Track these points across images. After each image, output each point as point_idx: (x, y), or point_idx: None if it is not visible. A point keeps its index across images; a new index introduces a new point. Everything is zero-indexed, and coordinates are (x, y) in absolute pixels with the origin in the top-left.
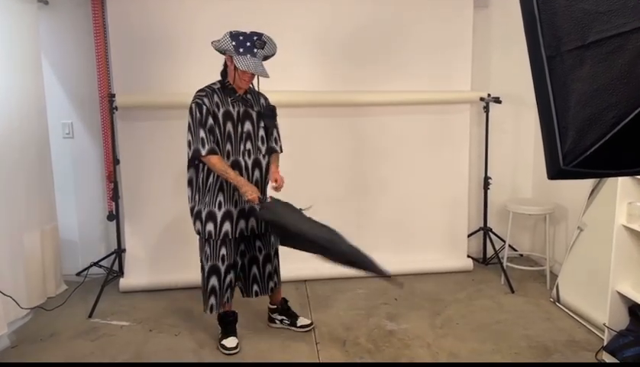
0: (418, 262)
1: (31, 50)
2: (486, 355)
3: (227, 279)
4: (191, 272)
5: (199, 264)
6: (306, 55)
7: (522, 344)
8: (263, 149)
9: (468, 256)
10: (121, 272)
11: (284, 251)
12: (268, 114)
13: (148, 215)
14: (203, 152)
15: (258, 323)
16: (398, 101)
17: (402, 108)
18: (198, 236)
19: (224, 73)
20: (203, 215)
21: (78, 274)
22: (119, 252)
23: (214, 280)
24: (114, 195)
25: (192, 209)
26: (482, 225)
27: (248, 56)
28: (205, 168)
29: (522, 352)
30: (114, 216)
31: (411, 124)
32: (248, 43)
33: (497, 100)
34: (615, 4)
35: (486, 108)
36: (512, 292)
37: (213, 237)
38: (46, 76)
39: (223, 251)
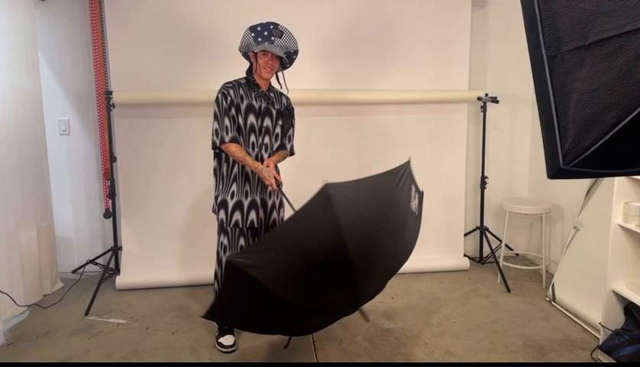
0: (415, 261)
1: (28, 46)
2: (482, 353)
3: None
4: (188, 270)
5: (215, 256)
6: (305, 53)
7: (517, 343)
8: (275, 146)
9: (465, 255)
10: (117, 270)
11: None
12: (286, 113)
13: (145, 212)
14: (227, 139)
15: None
16: (395, 99)
17: (400, 107)
18: (221, 225)
19: (249, 71)
20: (227, 203)
21: (74, 272)
22: (115, 250)
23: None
24: (111, 192)
25: (216, 198)
26: (478, 225)
27: (266, 43)
28: (230, 159)
29: (518, 351)
30: (110, 214)
31: (408, 123)
32: (266, 33)
33: (494, 100)
34: (615, 5)
35: (484, 108)
36: (508, 291)
37: (240, 226)
38: (42, 72)
39: (242, 241)
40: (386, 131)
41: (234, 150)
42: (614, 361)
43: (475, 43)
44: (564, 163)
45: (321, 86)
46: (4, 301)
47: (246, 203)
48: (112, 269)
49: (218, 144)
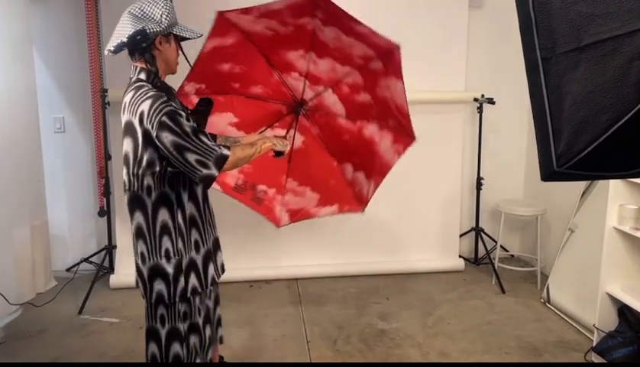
0: (410, 262)
1: (23, 43)
2: (476, 355)
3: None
4: None
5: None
6: None
7: (512, 344)
8: None
9: (460, 256)
10: (111, 269)
11: (276, 248)
12: (203, 109)
13: None
14: (227, 152)
15: (249, 320)
16: None
17: None
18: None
19: (152, 68)
20: (196, 262)
21: (68, 270)
22: (110, 248)
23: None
24: (106, 191)
25: (172, 267)
26: (474, 226)
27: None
28: (186, 198)
29: (512, 352)
30: (105, 212)
31: None
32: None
33: (491, 101)
34: (610, 7)
35: (480, 109)
36: (503, 292)
37: (216, 280)
38: (37, 69)
39: (209, 303)
40: None
41: (236, 152)
42: (607, 362)
43: (472, 44)
44: (557, 165)
45: None
46: None
47: (211, 247)
48: (106, 268)
49: (217, 173)
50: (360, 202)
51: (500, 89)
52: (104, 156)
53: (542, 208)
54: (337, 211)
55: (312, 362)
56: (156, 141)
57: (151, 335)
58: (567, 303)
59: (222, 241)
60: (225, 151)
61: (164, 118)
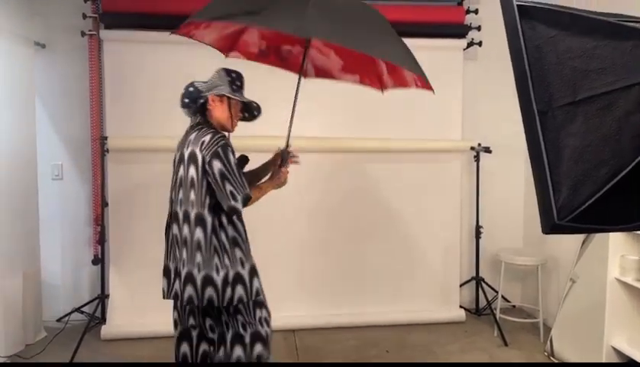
0: (410, 312)
1: (25, 92)
2: None
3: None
4: None
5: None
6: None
7: None
8: None
9: (460, 306)
10: (103, 319)
11: (273, 297)
12: (244, 162)
13: (134, 260)
14: (251, 194)
15: None
16: (389, 148)
17: (394, 155)
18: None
19: (205, 119)
20: (242, 276)
21: (59, 320)
22: (102, 298)
23: (259, 348)
24: (101, 238)
25: (224, 278)
26: (474, 275)
27: (242, 93)
28: (226, 221)
29: None
30: (99, 260)
31: (402, 171)
32: (239, 83)
33: (487, 150)
34: (604, 63)
35: (477, 158)
36: (506, 345)
37: (260, 293)
38: (39, 116)
39: (259, 313)
40: (380, 180)
41: (255, 195)
42: None
43: (467, 95)
44: (558, 218)
45: (314, 134)
46: None
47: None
48: (98, 318)
49: (242, 206)
50: (380, 81)
51: (496, 138)
52: (101, 203)
53: (543, 257)
54: (358, 80)
55: (319, 362)
56: (207, 167)
57: (237, 339)
58: (571, 356)
59: None
60: (250, 193)
61: (219, 150)
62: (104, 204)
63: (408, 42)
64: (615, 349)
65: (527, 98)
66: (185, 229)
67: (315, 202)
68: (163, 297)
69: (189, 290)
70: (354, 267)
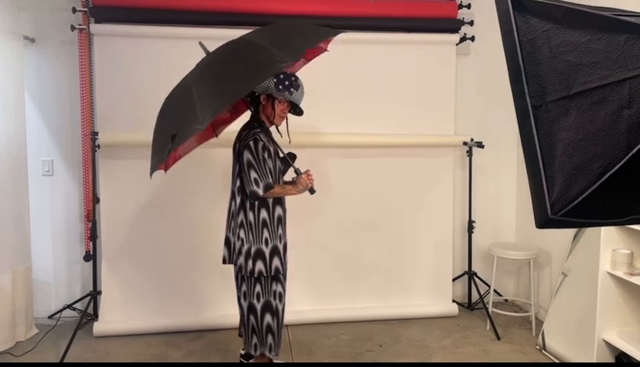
0: (404, 307)
1: (15, 87)
2: None
3: (282, 317)
4: (169, 317)
5: (238, 306)
6: None
7: None
8: None
9: (453, 301)
10: (95, 315)
11: None
12: (292, 158)
13: (126, 256)
14: (273, 184)
15: None
16: (382, 143)
17: (387, 150)
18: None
19: (255, 116)
20: (260, 253)
21: (50, 317)
22: (94, 294)
23: (268, 318)
24: (92, 234)
25: (248, 251)
26: (466, 269)
27: (286, 93)
28: (256, 206)
29: None
30: (90, 257)
31: (395, 167)
32: (287, 82)
33: (480, 145)
34: (598, 57)
35: (469, 153)
36: (498, 339)
37: (281, 272)
38: (28, 112)
39: (275, 286)
40: (373, 176)
41: (275, 190)
42: None
43: (460, 89)
44: (551, 212)
45: (308, 129)
46: None
47: (281, 247)
48: (90, 314)
49: (262, 194)
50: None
51: (489, 133)
52: (92, 199)
53: (535, 251)
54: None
55: (321, 362)
56: (240, 156)
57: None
58: (563, 349)
59: (209, 285)
60: (272, 184)
61: (250, 142)
62: (95, 200)
63: (402, 37)
64: (606, 342)
65: (520, 92)
66: (233, 206)
67: (307, 197)
68: (223, 262)
69: (238, 260)
70: (347, 262)
